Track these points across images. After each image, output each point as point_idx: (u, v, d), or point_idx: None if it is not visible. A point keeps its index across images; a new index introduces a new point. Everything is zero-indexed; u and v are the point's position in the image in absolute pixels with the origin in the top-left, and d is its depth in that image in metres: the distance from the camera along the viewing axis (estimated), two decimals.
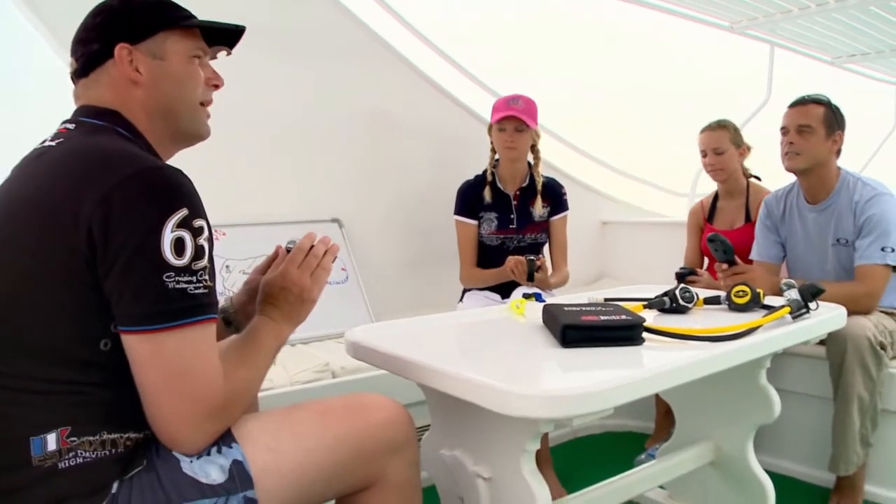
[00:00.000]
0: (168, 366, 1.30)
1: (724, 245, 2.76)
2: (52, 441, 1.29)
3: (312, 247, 1.69)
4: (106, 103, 1.51)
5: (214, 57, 1.68)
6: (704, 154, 3.65)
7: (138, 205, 1.28)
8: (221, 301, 1.87)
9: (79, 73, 1.54)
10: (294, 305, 1.64)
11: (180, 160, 1.61)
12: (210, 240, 1.37)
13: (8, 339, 1.32)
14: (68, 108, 1.56)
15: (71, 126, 1.49)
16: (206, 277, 1.35)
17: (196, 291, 1.32)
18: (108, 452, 1.34)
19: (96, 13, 1.54)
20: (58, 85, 1.63)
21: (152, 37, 1.53)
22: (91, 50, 1.52)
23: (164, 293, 1.28)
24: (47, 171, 1.39)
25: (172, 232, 1.28)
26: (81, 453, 1.31)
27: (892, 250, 2.89)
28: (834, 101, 3.08)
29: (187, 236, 1.30)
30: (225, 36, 1.66)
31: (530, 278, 3.12)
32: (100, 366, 1.34)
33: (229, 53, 1.70)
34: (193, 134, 1.63)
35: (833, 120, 3.02)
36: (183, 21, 1.57)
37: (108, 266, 1.28)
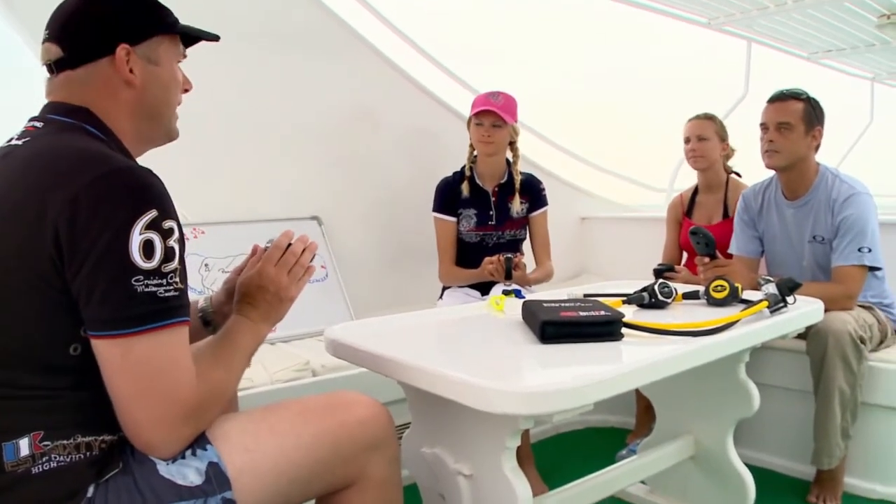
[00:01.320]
0: (139, 370, 1.28)
1: (706, 238, 2.77)
2: (24, 446, 1.28)
3: (290, 245, 1.68)
4: (84, 100, 1.48)
5: None
6: (687, 141, 3.67)
7: (106, 206, 1.26)
8: (200, 301, 1.86)
9: (64, 64, 1.49)
10: (271, 304, 1.63)
11: (161, 158, 1.61)
12: (181, 241, 1.35)
13: None
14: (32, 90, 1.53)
15: (39, 124, 1.46)
16: (177, 280, 1.32)
17: (166, 294, 1.30)
18: (82, 456, 1.32)
19: (92, 1, 1.51)
20: (34, 85, 1.59)
21: (149, 40, 1.52)
22: (85, 43, 1.48)
23: (132, 297, 1.26)
24: (14, 171, 1.37)
25: (141, 234, 1.26)
26: (55, 457, 1.29)
27: (869, 250, 2.91)
28: (812, 95, 3.08)
29: (156, 238, 1.28)
30: (191, 40, 1.66)
31: (508, 276, 3.11)
32: (70, 370, 1.32)
33: (185, 56, 1.69)
34: (168, 136, 1.63)
35: (812, 115, 3.03)
36: (175, 27, 1.57)
37: (75, 269, 1.25)
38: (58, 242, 1.25)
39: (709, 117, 3.68)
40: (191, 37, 1.64)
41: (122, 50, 1.47)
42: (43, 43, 1.52)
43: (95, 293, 1.25)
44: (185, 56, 1.64)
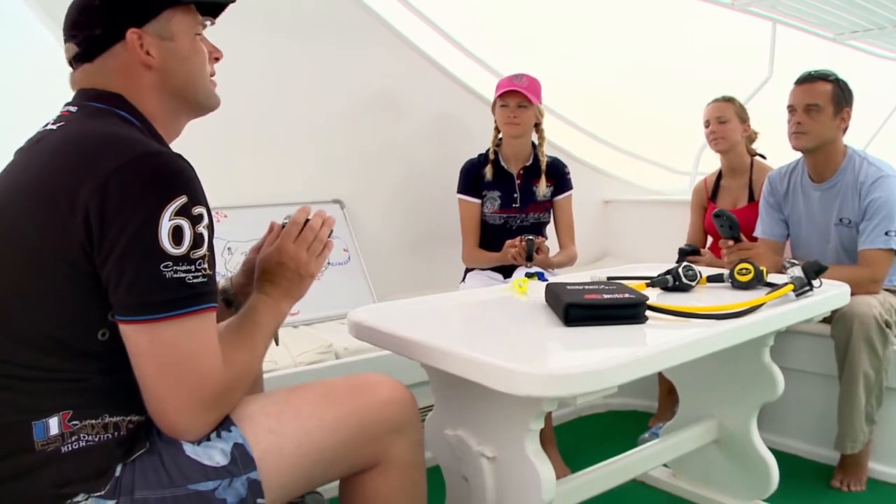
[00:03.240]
0: (166, 356, 1.29)
1: (729, 221, 2.75)
2: (53, 425, 1.29)
3: (308, 221, 1.68)
4: (111, 88, 1.48)
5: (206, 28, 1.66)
6: (707, 124, 3.64)
7: (136, 192, 1.27)
8: (221, 282, 1.86)
9: (80, 58, 1.51)
10: (292, 281, 1.63)
11: (182, 142, 1.60)
12: (210, 227, 1.35)
13: (4, 328, 1.31)
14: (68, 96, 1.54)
15: (73, 108, 1.47)
16: (206, 266, 1.33)
17: (194, 281, 1.30)
18: (110, 435, 1.34)
19: None
20: (60, 74, 1.60)
21: (157, 17, 1.50)
22: (93, 34, 1.48)
23: (161, 283, 1.27)
24: (46, 156, 1.38)
25: (170, 220, 1.26)
26: (84, 437, 1.31)
27: None
28: (841, 76, 3.04)
29: (186, 224, 1.29)
30: (212, 7, 1.64)
31: (529, 258, 3.11)
32: (98, 355, 1.33)
33: (213, 23, 1.67)
34: (206, 107, 1.63)
35: (841, 97, 2.99)
36: None
37: (105, 254, 1.26)
38: (88, 227, 1.26)
39: (727, 99, 3.65)
40: (208, 4, 1.62)
41: (132, 34, 1.47)
42: (64, 45, 1.53)
43: (124, 278, 1.26)
44: (205, 25, 1.61)
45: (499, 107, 3.39)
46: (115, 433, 1.35)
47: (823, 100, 2.97)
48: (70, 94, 1.53)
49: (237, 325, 1.53)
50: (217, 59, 1.65)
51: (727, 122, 3.59)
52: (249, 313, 1.56)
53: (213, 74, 1.64)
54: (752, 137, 3.70)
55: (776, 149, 3.56)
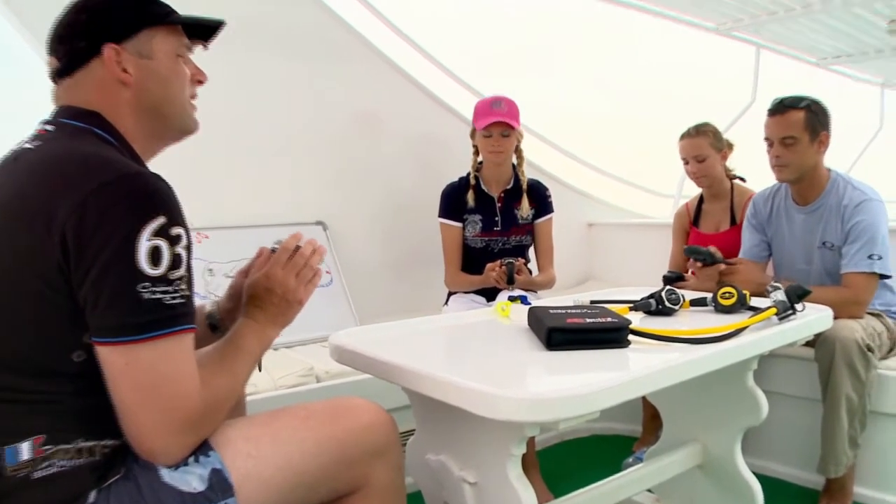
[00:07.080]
0: (143, 378, 1.27)
1: (703, 255, 2.78)
2: (25, 450, 1.27)
3: (298, 247, 1.66)
4: (89, 104, 1.47)
5: (192, 51, 1.65)
6: (686, 161, 3.63)
7: (114, 212, 1.25)
8: (207, 306, 1.85)
9: (61, 73, 1.50)
10: (279, 307, 1.61)
11: (163, 162, 1.59)
12: (188, 248, 1.34)
13: None
14: (40, 99, 1.53)
15: (50, 128, 1.46)
16: (184, 287, 1.31)
17: (172, 302, 1.29)
18: (84, 460, 1.31)
19: (78, 10, 1.50)
20: (30, 76, 1.59)
21: (137, 35, 1.50)
22: (74, 49, 1.48)
23: (138, 304, 1.25)
24: (24, 175, 1.36)
25: (149, 241, 1.25)
26: (57, 462, 1.28)
27: (879, 258, 2.88)
28: (814, 98, 3.04)
29: (164, 245, 1.27)
30: (203, 30, 1.64)
31: (510, 281, 3.11)
32: (73, 376, 1.31)
33: (206, 48, 1.68)
34: (183, 130, 1.61)
35: (815, 121, 2.98)
36: (167, 18, 1.54)
37: (81, 275, 1.25)
38: (65, 248, 1.24)
39: (700, 131, 3.59)
40: (200, 28, 1.62)
41: (108, 49, 1.46)
42: (48, 59, 1.52)
43: (101, 299, 1.24)
44: (189, 48, 1.61)
45: (481, 136, 3.39)
46: (90, 458, 1.32)
47: (798, 130, 2.96)
48: (50, 110, 1.52)
49: (220, 350, 1.52)
50: (200, 83, 1.64)
51: (705, 159, 3.56)
52: (234, 338, 1.55)
53: (194, 97, 1.63)
54: (725, 154, 3.67)
55: (760, 173, 3.56)
